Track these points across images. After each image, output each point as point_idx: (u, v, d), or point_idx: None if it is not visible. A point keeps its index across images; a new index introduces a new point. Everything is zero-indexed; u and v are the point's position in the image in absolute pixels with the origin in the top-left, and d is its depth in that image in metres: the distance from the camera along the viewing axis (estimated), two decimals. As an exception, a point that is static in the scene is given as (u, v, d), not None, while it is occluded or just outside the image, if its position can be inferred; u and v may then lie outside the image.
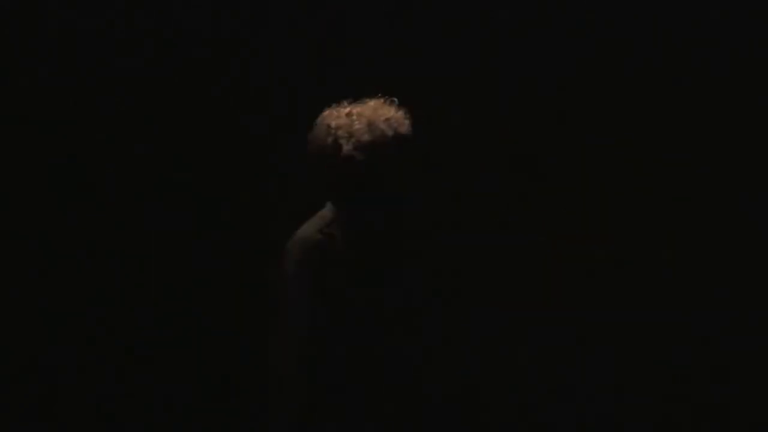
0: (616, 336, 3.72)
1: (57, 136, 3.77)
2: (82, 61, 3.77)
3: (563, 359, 3.74)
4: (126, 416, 3.71)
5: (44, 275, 3.75)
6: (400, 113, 2.53)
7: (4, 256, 3.74)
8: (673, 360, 3.70)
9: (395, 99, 2.55)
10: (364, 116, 2.50)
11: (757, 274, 3.68)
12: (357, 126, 2.49)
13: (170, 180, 3.81)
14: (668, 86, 3.70)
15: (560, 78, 3.72)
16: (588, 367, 3.73)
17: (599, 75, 3.70)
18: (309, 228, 2.51)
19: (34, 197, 3.76)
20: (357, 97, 2.57)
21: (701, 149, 3.70)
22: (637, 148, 3.72)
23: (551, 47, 3.71)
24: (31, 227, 3.76)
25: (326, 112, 2.56)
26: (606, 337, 3.71)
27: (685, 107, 3.69)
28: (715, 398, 3.66)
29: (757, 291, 3.68)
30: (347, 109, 2.54)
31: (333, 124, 2.51)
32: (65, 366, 3.73)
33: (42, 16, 3.75)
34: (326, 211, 2.54)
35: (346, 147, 2.46)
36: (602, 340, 3.72)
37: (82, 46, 3.77)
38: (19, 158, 3.76)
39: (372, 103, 2.55)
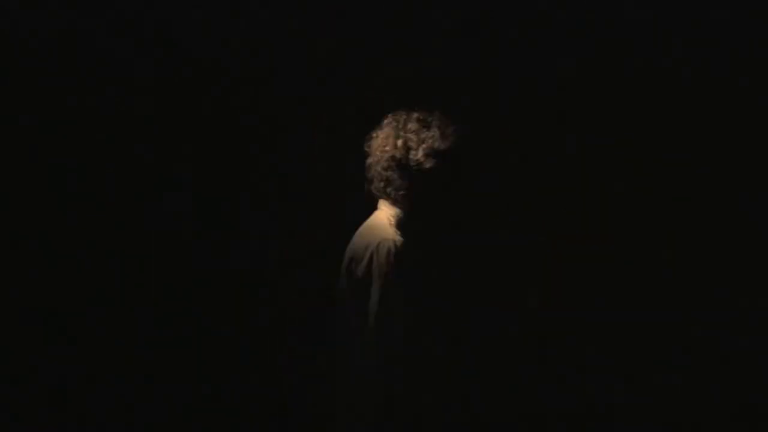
0: (616, 336, 3.72)
1: (57, 136, 3.77)
2: (82, 61, 3.77)
3: (563, 359, 3.74)
4: (126, 416, 3.71)
5: (44, 275, 3.75)
6: (456, 125, 2.58)
7: (4, 256, 3.74)
8: (673, 360, 3.70)
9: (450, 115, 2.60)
10: (435, 124, 2.56)
11: (757, 274, 3.68)
12: (427, 133, 2.53)
13: (170, 180, 3.81)
14: (668, 86, 3.70)
15: (560, 78, 3.72)
16: (588, 367, 3.73)
17: (599, 75, 3.70)
18: (383, 231, 2.55)
19: (34, 197, 3.76)
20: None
21: (701, 149, 3.70)
22: (637, 148, 3.72)
23: (551, 47, 3.71)
24: (31, 227, 3.75)
25: (394, 115, 2.60)
26: (606, 337, 3.71)
27: (685, 107, 3.69)
28: (715, 398, 3.66)
29: (757, 291, 3.68)
30: (416, 115, 2.58)
31: (402, 126, 2.55)
32: (65, 366, 3.73)
33: (42, 16, 3.76)
34: (386, 213, 2.58)
35: (416, 152, 2.51)
36: (602, 340, 3.72)
37: (82, 46, 3.77)
38: (19, 158, 3.76)
39: (436, 112, 2.60)
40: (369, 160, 2.59)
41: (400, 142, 2.53)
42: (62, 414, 3.70)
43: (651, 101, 3.71)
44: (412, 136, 2.54)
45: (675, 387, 3.70)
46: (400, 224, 2.56)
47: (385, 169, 2.54)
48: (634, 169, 3.72)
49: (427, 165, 2.51)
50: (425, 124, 2.55)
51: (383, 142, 2.55)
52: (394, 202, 2.57)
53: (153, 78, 3.78)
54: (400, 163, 2.52)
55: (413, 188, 2.54)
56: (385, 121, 2.60)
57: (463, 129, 2.59)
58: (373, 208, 2.65)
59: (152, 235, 3.79)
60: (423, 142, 2.52)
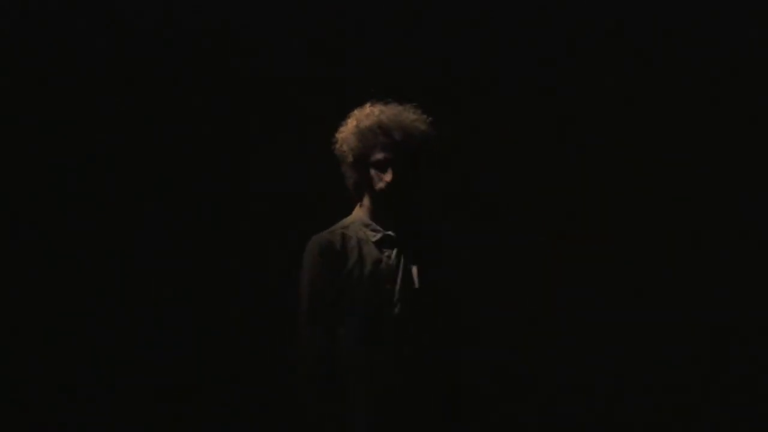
0: (617, 336, 3.72)
1: (57, 136, 3.76)
2: (81, 61, 3.77)
3: (563, 359, 3.74)
4: (124, 416, 3.71)
5: (44, 275, 3.75)
6: (412, 123, 2.43)
7: (4, 256, 3.74)
8: (673, 360, 3.71)
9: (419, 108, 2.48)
10: (356, 116, 2.46)
11: (757, 274, 3.68)
12: (344, 126, 2.47)
13: (170, 180, 3.81)
14: (668, 86, 3.70)
15: (560, 78, 3.72)
16: (588, 366, 3.73)
17: (599, 75, 3.70)
18: (328, 228, 2.48)
19: (34, 197, 3.75)
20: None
21: (701, 149, 3.70)
22: (637, 148, 3.72)
23: (551, 47, 3.71)
24: (31, 227, 3.75)
25: (360, 108, 2.50)
26: (606, 337, 3.72)
27: (685, 107, 3.69)
28: (715, 398, 3.66)
29: (757, 291, 3.68)
30: (368, 110, 2.47)
31: (350, 120, 2.48)
32: (64, 366, 3.73)
33: (42, 16, 3.76)
34: (356, 208, 2.51)
35: (338, 146, 2.47)
36: (602, 340, 3.72)
37: (82, 45, 3.77)
38: (19, 158, 3.76)
39: (395, 109, 2.46)
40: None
41: (338, 136, 2.49)
42: (62, 413, 3.69)
43: (651, 101, 3.71)
44: (342, 129, 2.48)
45: (675, 386, 3.70)
46: (357, 221, 2.47)
47: (338, 163, 2.51)
48: (634, 169, 3.73)
49: (348, 160, 2.45)
50: (349, 117, 2.47)
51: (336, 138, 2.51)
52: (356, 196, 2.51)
53: (152, 78, 3.79)
54: (337, 156, 2.49)
55: (354, 181, 2.47)
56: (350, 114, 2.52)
57: (407, 124, 2.42)
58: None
59: (152, 236, 3.79)
60: (340, 134, 2.47)
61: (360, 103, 2.54)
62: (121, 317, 3.77)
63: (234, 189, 3.82)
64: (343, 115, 2.54)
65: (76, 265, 3.76)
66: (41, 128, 3.76)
